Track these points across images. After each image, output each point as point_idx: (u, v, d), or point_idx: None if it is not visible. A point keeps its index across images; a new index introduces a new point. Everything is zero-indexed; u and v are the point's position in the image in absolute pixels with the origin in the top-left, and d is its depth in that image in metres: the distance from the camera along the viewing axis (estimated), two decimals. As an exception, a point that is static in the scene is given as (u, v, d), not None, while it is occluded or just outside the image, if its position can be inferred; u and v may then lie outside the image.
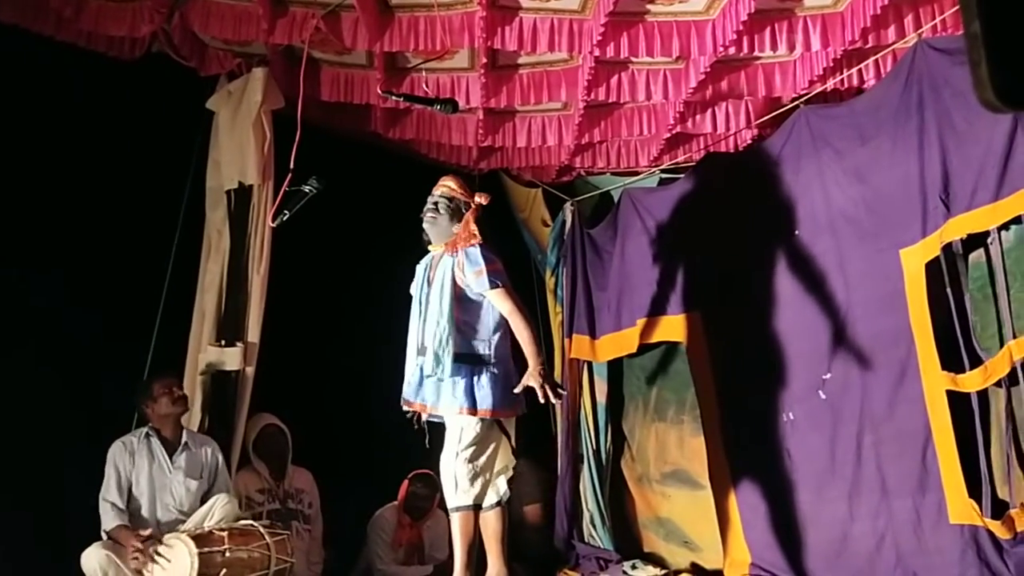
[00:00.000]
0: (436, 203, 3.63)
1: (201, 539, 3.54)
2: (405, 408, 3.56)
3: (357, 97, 4.69)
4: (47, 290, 3.99)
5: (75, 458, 3.85)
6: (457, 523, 3.49)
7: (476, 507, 3.48)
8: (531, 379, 3.34)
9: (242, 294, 4.35)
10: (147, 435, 3.90)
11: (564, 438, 5.33)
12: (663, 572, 4.70)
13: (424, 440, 3.58)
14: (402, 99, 4.13)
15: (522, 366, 3.54)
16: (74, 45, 4.16)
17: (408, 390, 3.54)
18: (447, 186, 3.68)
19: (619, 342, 5.21)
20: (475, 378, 3.44)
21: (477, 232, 3.54)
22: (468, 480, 3.44)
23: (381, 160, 5.24)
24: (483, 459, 3.48)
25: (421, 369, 3.50)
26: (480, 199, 3.66)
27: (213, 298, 4.37)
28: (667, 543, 5.08)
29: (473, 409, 3.41)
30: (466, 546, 3.46)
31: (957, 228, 3.56)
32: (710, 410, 4.71)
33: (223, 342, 4.30)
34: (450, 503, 3.50)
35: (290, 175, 3.72)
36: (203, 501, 3.88)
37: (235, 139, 4.43)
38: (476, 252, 3.48)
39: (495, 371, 3.48)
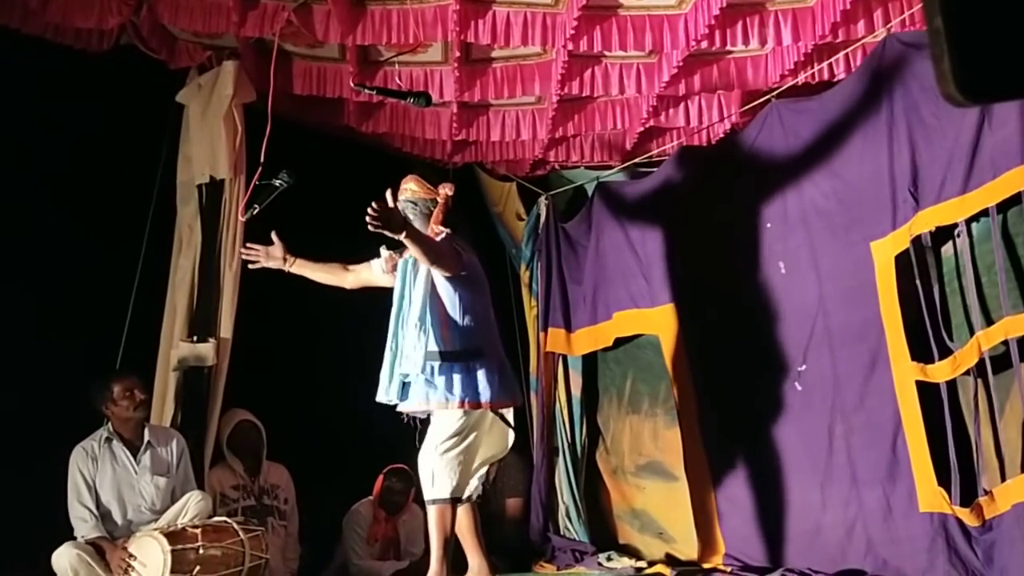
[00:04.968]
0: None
1: (174, 536, 3.52)
2: (398, 408, 3.55)
3: (329, 90, 4.65)
4: (15, 286, 3.93)
5: (43, 458, 3.79)
6: (434, 516, 3.47)
7: (454, 500, 3.46)
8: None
9: (214, 289, 4.31)
10: (107, 439, 3.81)
11: (539, 431, 5.35)
12: (638, 563, 4.72)
13: (415, 437, 3.58)
14: (375, 92, 4.12)
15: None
16: (41, 38, 4.09)
17: (396, 391, 3.52)
18: (409, 189, 3.62)
19: (595, 335, 5.23)
20: (471, 373, 3.44)
21: (442, 229, 3.54)
22: (446, 474, 3.43)
23: (354, 154, 5.20)
24: (463, 453, 3.47)
25: (405, 368, 3.49)
26: (445, 190, 3.62)
27: (185, 293, 4.32)
28: (642, 534, 5.11)
29: (474, 403, 3.41)
30: (442, 540, 3.44)
31: (926, 221, 3.61)
32: (687, 403, 4.74)
33: (195, 338, 4.25)
34: (427, 496, 3.49)
35: (260, 169, 3.69)
36: (174, 497, 3.84)
37: (206, 133, 4.38)
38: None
39: (490, 363, 3.49)
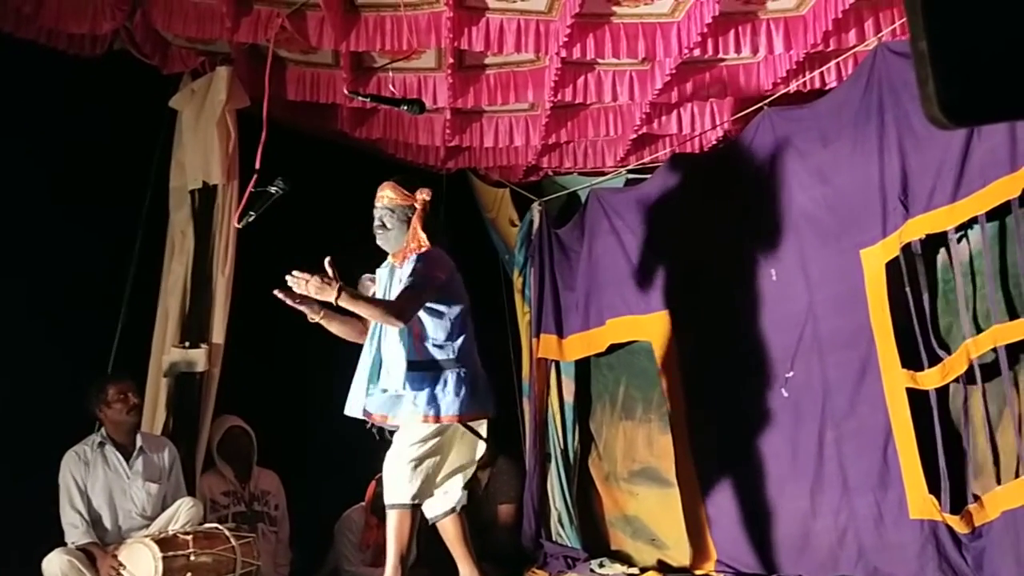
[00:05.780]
0: (381, 218, 3.51)
1: (165, 543, 3.51)
2: (364, 418, 3.47)
3: (323, 96, 4.66)
4: (6, 290, 3.92)
5: (35, 462, 3.78)
6: (392, 521, 3.36)
7: (414, 506, 3.37)
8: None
9: (206, 295, 4.31)
10: (100, 443, 3.81)
11: (532, 437, 5.35)
12: (630, 570, 4.73)
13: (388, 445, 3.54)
14: (369, 99, 4.12)
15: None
16: (35, 43, 4.09)
17: (369, 401, 3.45)
18: (386, 196, 3.53)
19: (587, 341, 5.23)
20: (438, 385, 3.36)
21: (425, 239, 3.45)
22: (408, 478, 3.34)
23: (348, 160, 5.20)
24: (430, 459, 3.38)
25: (380, 381, 3.43)
26: (422, 195, 3.52)
27: (177, 299, 4.32)
28: (634, 541, 5.11)
29: (437, 416, 3.32)
30: (398, 546, 3.33)
31: (915, 229, 3.63)
32: (678, 409, 4.75)
33: (187, 343, 4.25)
34: (387, 499, 3.40)
35: (255, 175, 3.68)
36: (165, 504, 3.83)
37: (199, 138, 4.38)
38: (418, 257, 3.41)
39: (460, 375, 3.40)
